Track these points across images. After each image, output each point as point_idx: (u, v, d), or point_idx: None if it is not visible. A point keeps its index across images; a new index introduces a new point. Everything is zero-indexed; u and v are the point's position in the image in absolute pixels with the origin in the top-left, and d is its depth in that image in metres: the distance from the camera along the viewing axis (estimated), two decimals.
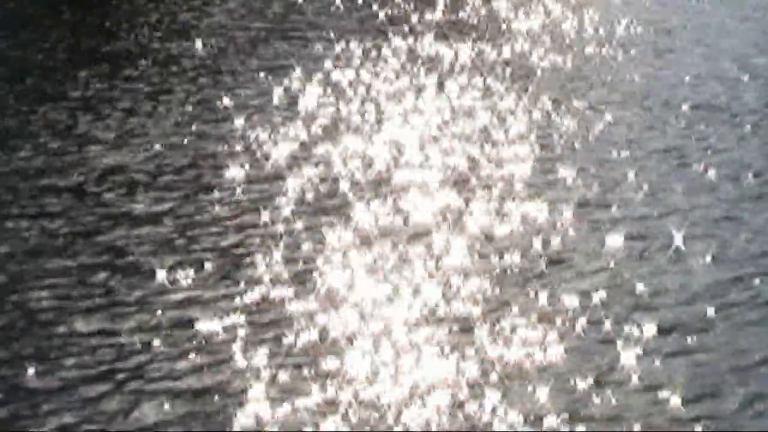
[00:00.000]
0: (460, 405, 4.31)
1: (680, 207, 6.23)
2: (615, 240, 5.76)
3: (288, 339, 4.75)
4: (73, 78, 8.58)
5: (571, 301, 5.11)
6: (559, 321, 4.93)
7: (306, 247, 5.66)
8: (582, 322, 4.92)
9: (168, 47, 9.51)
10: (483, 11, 11.05)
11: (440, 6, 11.20)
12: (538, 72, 8.87)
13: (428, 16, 10.76)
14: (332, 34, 9.94)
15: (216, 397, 4.35)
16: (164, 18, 10.60)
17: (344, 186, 6.48)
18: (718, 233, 5.87)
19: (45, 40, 9.73)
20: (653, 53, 9.49)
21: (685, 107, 7.96)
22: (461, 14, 10.94)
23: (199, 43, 9.58)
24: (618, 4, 11.52)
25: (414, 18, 10.68)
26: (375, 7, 11.09)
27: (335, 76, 8.64)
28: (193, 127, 7.45)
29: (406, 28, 10.23)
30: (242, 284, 5.26)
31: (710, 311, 5.04)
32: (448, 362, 4.60)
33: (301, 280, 5.30)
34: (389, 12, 10.89)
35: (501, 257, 5.56)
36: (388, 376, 4.49)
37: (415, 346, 4.72)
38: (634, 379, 4.47)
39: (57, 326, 4.87)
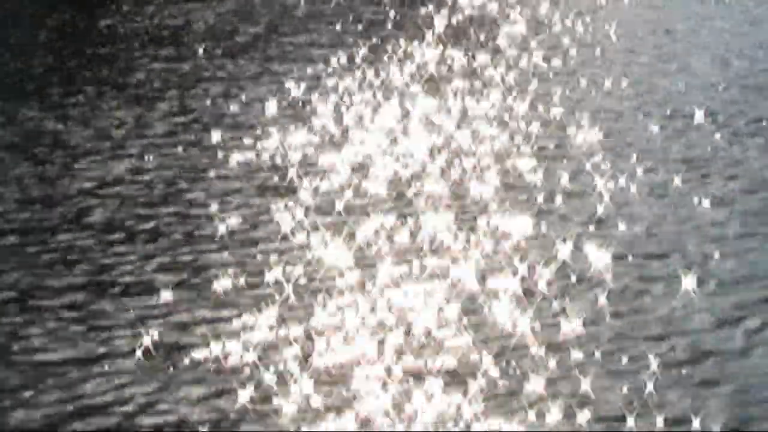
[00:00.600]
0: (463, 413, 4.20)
1: (698, 221, 6.07)
2: (631, 257, 5.61)
3: (290, 356, 4.63)
4: (63, 83, 8.47)
5: (589, 322, 4.97)
6: (578, 344, 4.78)
7: (304, 259, 5.55)
8: (603, 346, 4.77)
9: (162, 51, 9.41)
10: (481, 14, 10.95)
11: (436, 8, 11.12)
12: (542, 78, 8.76)
13: (424, 19, 10.67)
14: (327, 39, 9.85)
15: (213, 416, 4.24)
16: (159, 21, 10.50)
17: (342, 195, 6.36)
18: (738, 249, 5.72)
19: (35, 42, 9.63)
20: (660, 59, 9.38)
21: (698, 115, 7.83)
22: (458, 17, 10.85)
23: (193, 48, 9.48)
24: (621, 8, 11.43)
25: (409, 21, 10.59)
26: (369, 10, 11.00)
27: (331, 81, 8.55)
28: (187, 136, 7.36)
29: (402, 32, 10.13)
30: (241, 300, 5.14)
31: (734, 333, 4.88)
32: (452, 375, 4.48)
33: (301, 295, 5.18)
34: (384, 15, 10.80)
35: (510, 274, 5.42)
36: (396, 394, 4.37)
37: (423, 359, 4.60)
38: (659, 406, 4.33)
39: (42, 348, 4.74)
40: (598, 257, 5.61)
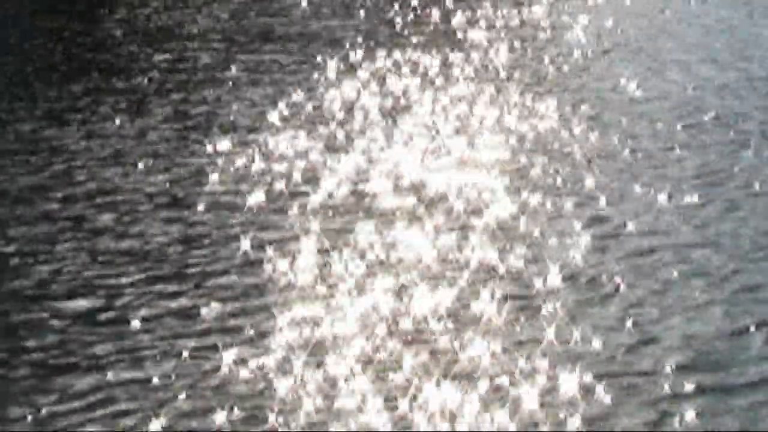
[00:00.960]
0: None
1: (713, 231, 5.92)
2: (645, 269, 5.46)
3: (290, 373, 4.51)
4: (54, 89, 8.37)
5: (602, 334, 4.83)
6: (591, 357, 4.64)
7: (302, 270, 5.44)
8: (617, 358, 4.64)
9: (159, 56, 9.33)
10: (480, 16, 10.88)
11: (435, 12, 11.05)
12: (543, 84, 8.64)
13: (423, 22, 10.59)
14: (324, 42, 9.77)
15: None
16: (155, 25, 10.42)
17: (340, 206, 6.25)
18: (755, 259, 5.56)
19: (32, 45, 9.55)
20: (662, 62, 9.26)
21: (709, 120, 7.69)
22: (458, 20, 10.77)
23: (189, 53, 9.40)
24: (620, 11, 11.34)
25: (408, 24, 10.51)
26: (366, 13, 10.93)
27: (330, 85, 8.45)
28: (186, 142, 7.24)
29: (399, 35, 10.05)
30: (240, 315, 5.02)
31: (753, 347, 4.74)
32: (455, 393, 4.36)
33: (299, 306, 5.06)
34: (381, 18, 10.73)
35: (519, 285, 5.28)
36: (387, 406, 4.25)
37: (420, 373, 4.47)
38: (676, 420, 4.19)
39: (36, 376, 4.62)
40: (611, 268, 5.47)
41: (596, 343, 4.79)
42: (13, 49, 9.44)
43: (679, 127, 7.58)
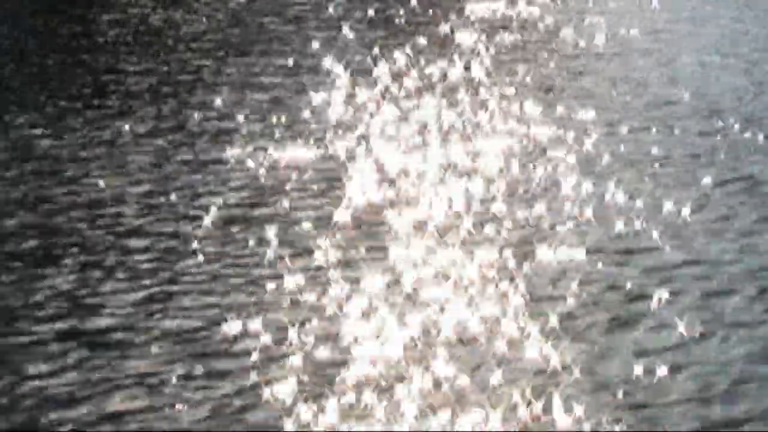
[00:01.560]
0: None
1: (743, 244, 5.71)
2: (669, 285, 5.26)
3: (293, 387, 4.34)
4: (52, 90, 8.28)
5: (624, 359, 4.64)
6: (613, 383, 4.46)
7: (306, 285, 5.28)
8: (642, 385, 4.45)
9: (155, 60, 9.27)
10: (483, 19, 10.83)
11: (436, 13, 11.02)
12: (554, 87, 8.51)
13: (423, 24, 10.54)
14: (322, 44, 9.71)
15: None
16: (153, 27, 10.39)
17: (344, 216, 6.10)
18: None
19: (28, 47, 9.48)
20: (674, 66, 9.14)
21: (733, 124, 7.52)
22: (459, 21, 10.71)
23: (187, 56, 9.36)
24: (630, 13, 11.30)
25: (408, 26, 10.47)
26: (364, 13, 10.89)
27: (328, 89, 8.37)
28: (182, 149, 7.14)
29: (400, 37, 9.99)
30: (244, 332, 4.86)
31: None
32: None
33: (302, 325, 4.90)
34: (380, 19, 10.69)
35: (533, 305, 5.09)
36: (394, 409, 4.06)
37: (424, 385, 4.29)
38: None
39: (31, 393, 4.45)
40: (632, 285, 5.27)
41: (616, 366, 4.60)
42: (12, 50, 9.38)
43: (698, 132, 7.42)
